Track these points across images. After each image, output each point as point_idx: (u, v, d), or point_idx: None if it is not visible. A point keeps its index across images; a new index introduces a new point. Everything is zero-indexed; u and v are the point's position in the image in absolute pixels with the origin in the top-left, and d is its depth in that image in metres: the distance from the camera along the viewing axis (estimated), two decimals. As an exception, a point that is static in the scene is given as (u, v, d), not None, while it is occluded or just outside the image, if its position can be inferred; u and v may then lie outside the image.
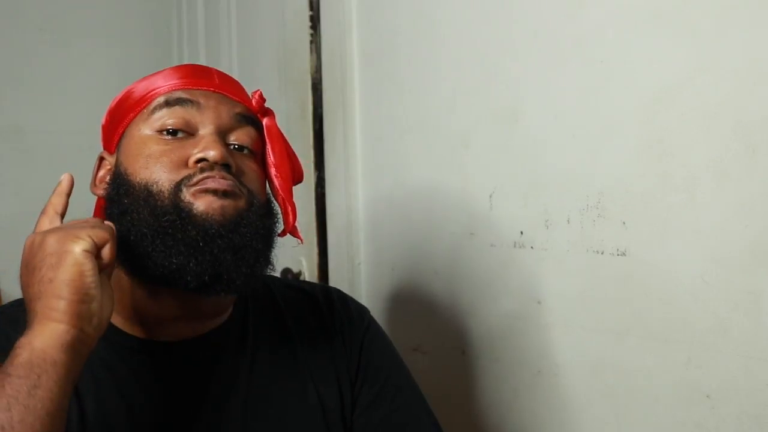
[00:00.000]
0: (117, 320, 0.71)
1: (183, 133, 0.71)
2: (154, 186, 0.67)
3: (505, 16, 0.99)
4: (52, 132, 1.89)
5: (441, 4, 1.11)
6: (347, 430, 0.80)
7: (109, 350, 0.70)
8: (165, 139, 0.70)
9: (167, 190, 0.67)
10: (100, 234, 0.60)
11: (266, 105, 0.77)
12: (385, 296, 1.25)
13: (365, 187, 1.31)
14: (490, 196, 1.02)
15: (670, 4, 0.79)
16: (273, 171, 0.76)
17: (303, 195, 1.42)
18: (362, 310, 0.89)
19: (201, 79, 0.74)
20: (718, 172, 0.75)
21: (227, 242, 0.65)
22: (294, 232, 0.76)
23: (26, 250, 0.61)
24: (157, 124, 0.71)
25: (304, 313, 0.84)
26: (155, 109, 0.72)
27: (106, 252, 0.61)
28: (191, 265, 0.64)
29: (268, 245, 0.71)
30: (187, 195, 0.66)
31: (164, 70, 0.75)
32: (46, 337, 0.55)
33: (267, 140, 0.76)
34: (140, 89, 0.74)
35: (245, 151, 0.74)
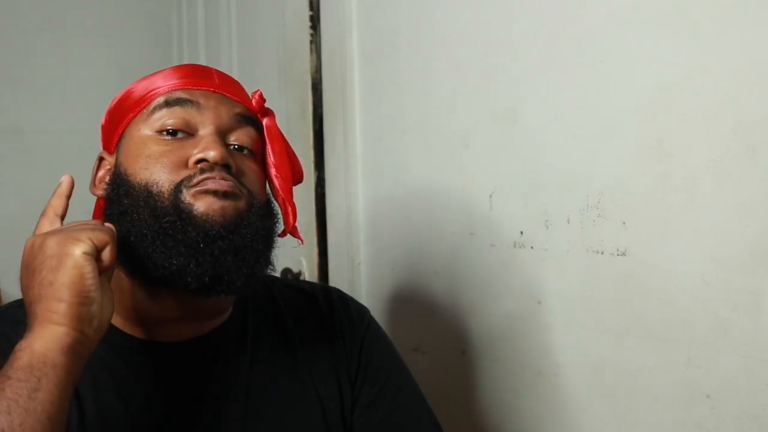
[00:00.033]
0: (117, 321, 0.71)
1: (183, 133, 0.71)
2: (154, 187, 0.67)
3: (505, 16, 0.99)
4: (52, 132, 1.89)
5: (441, 4, 1.11)
6: (347, 430, 0.80)
7: (109, 351, 0.70)
8: (165, 139, 0.70)
9: (167, 190, 0.66)
10: (100, 236, 0.60)
11: (266, 105, 0.77)
12: (385, 296, 1.25)
13: (365, 187, 1.31)
14: (490, 196, 1.02)
15: (670, 4, 0.79)
16: (273, 171, 0.75)
17: (303, 195, 1.42)
18: (362, 310, 0.88)
19: (201, 79, 0.74)
20: (718, 172, 0.75)
21: (228, 243, 0.65)
22: (294, 233, 0.76)
23: (26, 252, 0.61)
24: (157, 125, 0.71)
25: (303, 313, 0.84)
26: (155, 109, 0.71)
27: (106, 254, 0.61)
28: (191, 266, 0.64)
29: (269, 246, 0.71)
30: (187, 196, 0.66)
31: (164, 70, 0.75)
32: (47, 340, 0.55)
33: (267, 140, 0.76)
34: (140, 89, 0.74)
35: (245, 152, 0.74)
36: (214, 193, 0.66)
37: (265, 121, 0.77)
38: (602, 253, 0.87)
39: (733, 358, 0.74)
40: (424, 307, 1.15)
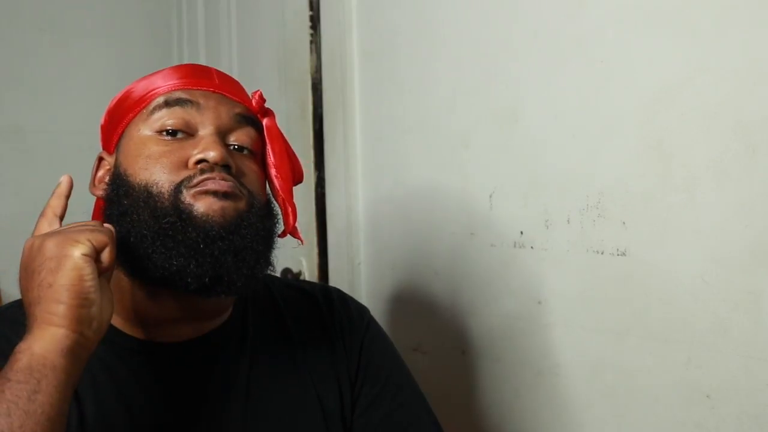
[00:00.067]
0: (117, 321, 0.71)
1: (183, 133, 0.70)
2: (154, 187, 0.67)
3: (505, 16, 0.99)
4: (52, 132, 1.89)
5: (441, 4, 1.11)
6: (347, 430, 0.79)
7: (108, 352, 0.69)
8: (164, 139, 0.70)
9: (167, 191, 0.66)
10: (99, 237, 0.60)
11: (266, 105, 0.77)
12: (385, 296, 1.25)
13: (365, 187, 1.31)
14: (490, 196, 1.02)
15: (670, 4, 0.79)
16: (273, 171, 0.75)
17: (303, 195, 1.42)
18: (362, 310, 0.88)
19: (201, 79, 0.74)
20: (718, 172, 0.75)
21: (228, 244, 0.65)
22: (294, 233, 0.76)
23: (25, 253, 0.61)
24: (157, 125, 0.70)
25: (303, 313, 0.84)
26: (155, 109, 0.71)
27: (106, 255, 0.60)
28: (191, 266, 0.64)
29: (269, 246, 0.71)
30: (187, 196, 0.66)
31: (163, 69, 0.75)
32: (46, 342, 0.55)
33: (267, 140, 0.76)
34: (139, 89, 0.73)
35: (245, 152, 0.74)
36: (214, 193, 0.66)
37: (265, 122, 0.76)
38: (602, 253, 0.87)
39: (733, 358, 0.74)
40: (424, 307, 1.15)
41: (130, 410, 0.69)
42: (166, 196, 0.66)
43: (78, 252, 0.57)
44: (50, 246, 0.58)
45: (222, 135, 0.71)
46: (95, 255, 0.59)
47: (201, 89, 0.72)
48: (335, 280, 1.37)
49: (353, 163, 1.32)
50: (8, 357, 0.56)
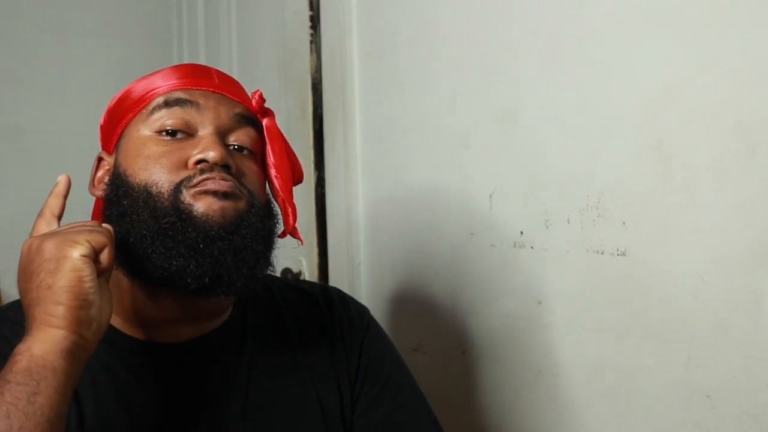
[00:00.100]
0: (116, 321, 0.71)
1: (182, 133, 0.70)
2: (154, 187, 0.67)
3: (505, 16, 0.99)
4: (52, 132, 1.89)
5: (441, 4, 1.11)
6: (347, 430, 0.79)
7: (108, 352, 0.69)
8: (164, 139, 0.70)
9: (167, 191, 0.66)
10: (98, 238, 0.60)
11: (266, 105, 0.77)
12: (385, 296, 1.25)
13: (365, 187, 1.31)
14: (490, 196, 1.02)
15: (670, 4, 0.79)
16: (273, 172, 0.75)
17: (303, 195, 1.42)
18: (362, 310, 0.88)
19: (200, 79, 0.74)
20: (718, 172, 0.75)
21: (227, 244, 0.65)
22: (294, 233, 0.76)
23: (23, 254, 0.60)
24: (156, 125, 0.70)
25: (303, 313, 0.83)
26: (154, 109, 0.71)
27: (105, 256, 0.60)
28: (191, 267, 0.64)
29: (269, 246, 0.71)
30: (187, 196, 0.66)
31: (163, 69, 0.75)
32: (45, 344, 0.55)
33: (267, 141, 0.76)
34: (139, 89, 0.73)
35: (245, 152, 0.74)
36: (214, 193, 0.66)
37: (265, 122, 0.76)
38: (602, 253, 0.87)
39: (733, 358, 0.74)
40: (424, 307, 1.15)
41: (130, 411, 0.69)
42: (166, 196, 0.66)
43: (77, 253, 0.57)
44: (49, 247, 0.58)
45: (222, 135, 0.71)
46: (94, 256, 0.59)
47: (201, 89, 0.72)
48: (335, 280, 1.37)
49: (353, 163, 1.32)
50: (8, 358, 0.56)
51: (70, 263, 0.57)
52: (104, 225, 0.65)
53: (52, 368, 0.54)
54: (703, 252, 0.77)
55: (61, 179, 0.69)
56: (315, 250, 1.45)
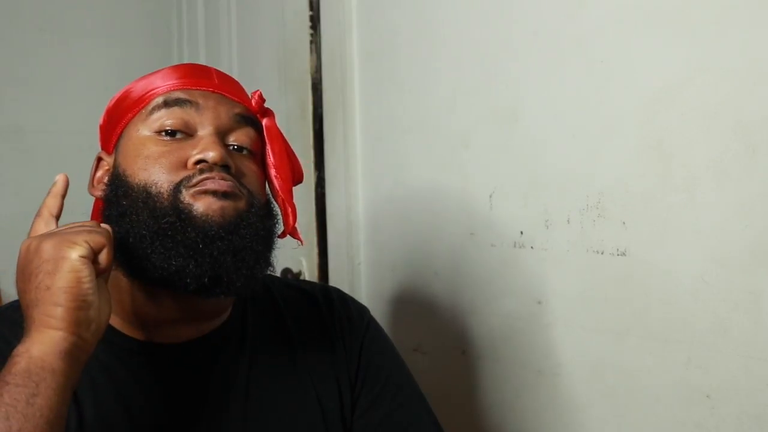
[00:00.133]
0: (116, 322, 0.71)
1: (182, 133, 0.70)
2: (153, 187, 0.66)
3: (505, 16, 0.99)
4: (52, 132, 1.89)
5: (441, 4, 1.11)
6: (347, 430, 0.79)
7: (107, 352, 0.69)
8: (164, 140, 0.70)
9: (166, 191, 0.66)
10: (96, 239, 0.60)
11: (266, 105, 0.77)
12: (385, 296, 1.25)
13: (365, 187, 1.31)
14: (490, 196, 1.02)
15: (670, 4, 0.79)
16: (273, 172, 0.75)
17: (303, 195, 1.42)
18: (362, 310, 0.88)
19: (200, 79, 0.74)
20: (718, 172, 0.75)
21: (227, 244, 0.65)
22: (294, 234, 0.76)
23: (22, 255, 0.60)
24: (156, 125, 0.70)
25: (303, 313, 0.83)
26: (154, 109, 0.71)
27: (103, 257, 0.60)
28: (191, 267, 0.64)
29: (268, 247, 0.71)
30: (186, 196, 0.66)
31: (162, 69, 0.75)
32: (44, 345, 0.55)
33: (267, 141, 0.76)
34: (138, 89, 0.73)
35: (244, 152, 0.74)
36: (214, 193, 0.66)
37: (264, 122, 0.76)
38: (602, 253, 0.87)
39: (733, 358, 0.74)
40: (424, 308, 1.15)
41: (130, 411, 0.69)
42: (166, 196, 0.66)
43: (75, 254, 0.57)
44: (47, 248, 0.58)
45: (221, 135, 0.71)
46: (93, 256, 0.59)
47: (200, 89, 0.72)
48: (335, 281, 1.37)
49: (353, 163, 1.32)
50: (7, 358, 0.56)
51: (69, 264, 0.57)
52: (103, 225, 0.64)
53: (51, 369, 0.54)
54: (703, 252, 0.77)
55: (59, 179, 0.69)
56: (315, 250, 1.44)
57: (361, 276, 1.32)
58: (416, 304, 1.17)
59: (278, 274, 0.98)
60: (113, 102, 0.75)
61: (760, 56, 0.71)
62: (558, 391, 0.94)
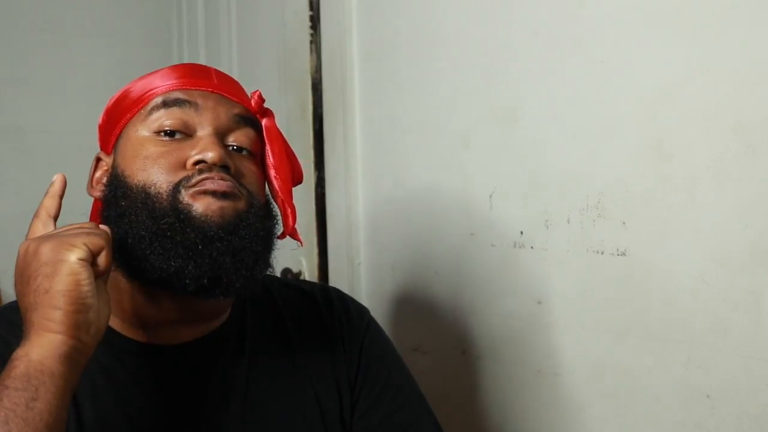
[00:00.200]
0: (115, 323, 0.71)
1: (181, 134, 0.70)
2: (152, 188, 0.66)
3: (505, 16, 0.99)
4: (52, 132, 1.89)
5: (441, 4, 1.11)
6: (346, 431, 0.79)
7: (107, 354, 0.69)
8: (163, 140, 0.69)
9: (165, 191, 0.66)
10: (95, 241, 0.59)
11: (266, 105, 0.77)
12: (385, 297, 1.25)
13: (365, 187, 1.30)
14: (490, 196, 1.02)
15: (670, 4, 0.79)
16: (272, 172, 0.75)
17: (303, 195, 1.42)
18: (362, 310, 0.88)
19: (199, 79, 0.73)
20: (718, 172, 0.75)
21: (226, 245, 0.65)
22: (294, 235, 0.75)
23: (20, 257, 0.60)
24: (155, 125, 0.70)
25: (303, 314, 0.83)
26: (153, 109, 0.71)
27: (102, 259, 0.60)
28: (190, 268, 0.64)
29: (268, 247, 0.71)
30: (185, 197, 0.65)
31: (162, 69, 0.74)
32: (44, 349, 0.55)
33: (266, 141, 0.75)
34: (137, 89, 0.73)
35: (244, 152, 0.73)
36: (213, 193, 0.65)
37: (264, 122, 0.76)
38: (602, 253, 0.87)
39: (733, 358, 0.74)
40: (424, 308, 1.15)
41: (129, 413, 0.69)
42: (165, 197, 0.66)
43: (74, 256, 0.57)
44: (45, 250, 0.58)
45: (220, 135, 0.71)
46: (91, 259, 0.58)
47: (199, 89, 0.72)
48: (335, 281, 1.37)
49: (353, 163, 1.32)
50: (5, 359, 0.56)
51: (67, 267, 0.56)
52: (102, 227, 0.64)
53: (51, 373, 0.54)
54: (703, 252, 0.76)
55: (57, 179, 0.68)
56: (315, 251, 1.44)
57: (361, 276, 1.32)
58: (416, 304, 1.17)
59: (278, 274, 0.98)
60: (112, 102, 0.75)
61: (760, 56, 0.71)
62: (558, 391, 0.94)
